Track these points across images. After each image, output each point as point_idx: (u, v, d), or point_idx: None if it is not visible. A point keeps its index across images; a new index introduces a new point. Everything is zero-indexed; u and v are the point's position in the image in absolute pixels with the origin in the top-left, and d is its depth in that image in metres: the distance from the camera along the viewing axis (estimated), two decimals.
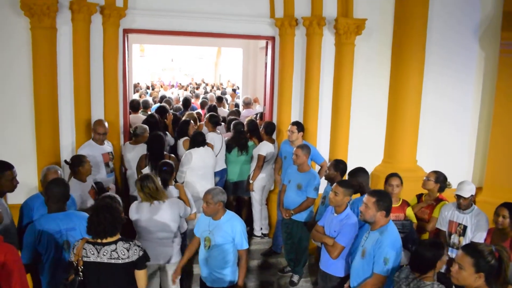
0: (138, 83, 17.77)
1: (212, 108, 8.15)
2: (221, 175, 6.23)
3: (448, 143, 6.93)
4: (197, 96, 12.77)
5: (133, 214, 4.19)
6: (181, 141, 6.32)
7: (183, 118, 7.01)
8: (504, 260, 2.61)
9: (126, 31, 5.98)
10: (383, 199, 3.54)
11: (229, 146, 6.31)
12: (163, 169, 4.67)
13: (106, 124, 5.52)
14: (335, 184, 4.17)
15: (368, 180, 4.97)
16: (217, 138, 6.27)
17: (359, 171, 4.86)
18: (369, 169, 6.62)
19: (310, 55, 6.26)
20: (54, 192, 3.60)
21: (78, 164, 4.63)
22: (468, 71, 6.87)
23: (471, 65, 6.87)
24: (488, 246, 2.67)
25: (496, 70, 6.66)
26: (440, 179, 4.97)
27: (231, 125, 6.50)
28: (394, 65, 6.47)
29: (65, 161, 4.83)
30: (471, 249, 2.63)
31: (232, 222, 3.90)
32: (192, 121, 6.63)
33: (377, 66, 6.51)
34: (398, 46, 6.38)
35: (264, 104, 7.08)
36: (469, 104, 6.98)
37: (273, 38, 6.53)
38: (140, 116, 7.42)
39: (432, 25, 6.43)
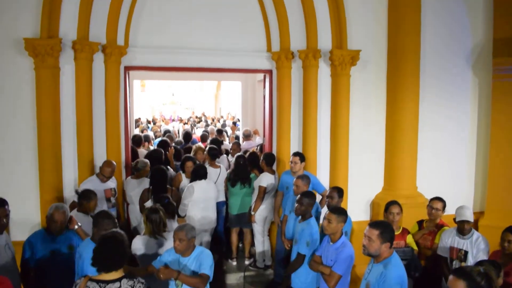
0: (139, 118, 17.98)
1: (215, 141, 8.24)
2: (219, 208, 6.26)
3: (447, 169, 6.96)
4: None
5: (138, 248, 4.19)
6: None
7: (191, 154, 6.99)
8: (493, 279, 2.63)
9: (127, 68, 6.16)
10: (387, 231, 3.39)
11: (232, 180, 6.36)
12: (165, 202, 4.71)
13: (114, 163, 5.62)
14: (327, 211, 4.18)
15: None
16: (214, 171, 6.34)
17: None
18: (370, 197, 6.74)
19: (307, 87, 6.40)
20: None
21: (86, 198, 4.73)
22: (463, 98, 6.97)
23: (465, 92, 6.98)
24: (476, 267, 2.70)
25: (490, 95, 6.78)
26: (445, 205, 5.04)
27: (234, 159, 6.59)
28: (389, 94, 6.59)
29: (76, 190, 4.92)
30: (461, 272, 2.65)
31: (199, 257, 3.78)
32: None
33: (373, 95, 6.62)
34: (393, 76, 6.51)
35: (264, 136, 7.18)
36: (466, 129, 7.05)
37: (270, 71, 6.71)
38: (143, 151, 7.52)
39: (425, 53, 6.57)
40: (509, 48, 6.48)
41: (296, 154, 5.95)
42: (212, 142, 8.13)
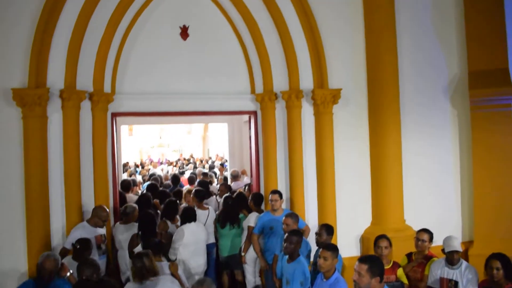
0: (127, 163, 17.95)
1: (203, 183, 8.26)
2: (209, 250, 6.22)
3: (434, 199, 7.08)
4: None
5: None
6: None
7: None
8: None
9: (114, 115, 6.26)
10: (376, 265, 3.40)
11: (221, 221, 6.35)
12: (157, 242, 4.72)
13: (107, 209, 5.64)
14: (321, 249, 4.20)
15: None
16: (202, 213, 6.35)
17: None
18: (359, 232, 6.77)
19: (291, 126, 6.55)
20: None
21: (86, 248, 4.86)
22: (443, 130, 7.20)
23: (445, 124, 7.21)
24: None
25: (470, 126, 7.00)
26: (432, 236, 5.09)
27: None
28: (372, 130, 6.77)
29: (73, 244, 4.96)
30: None
31: None
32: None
33: (356, 131, 6.79)
34: (374, 112, 6.72)
35: (251, 176, 7.25)
36: (449, 160, 7.23)
37: (255, 112, 6.87)
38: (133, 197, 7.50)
39: (404, 89, 6.82)
40: (484, 80, 6.77)
41: (274, 192, 6.00)
42: (199, 184, 8.15)
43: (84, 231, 5.32)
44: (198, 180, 9.19)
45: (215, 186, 9.62)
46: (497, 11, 6.71)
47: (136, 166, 18.68)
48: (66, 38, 5.63)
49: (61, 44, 5.59)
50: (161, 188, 8.31)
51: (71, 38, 5.66)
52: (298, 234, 4.75)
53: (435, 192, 7.11)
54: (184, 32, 6.58)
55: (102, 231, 5.63)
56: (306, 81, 6.55)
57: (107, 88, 6.09)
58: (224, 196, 6.67)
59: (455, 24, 7.27)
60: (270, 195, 5.96)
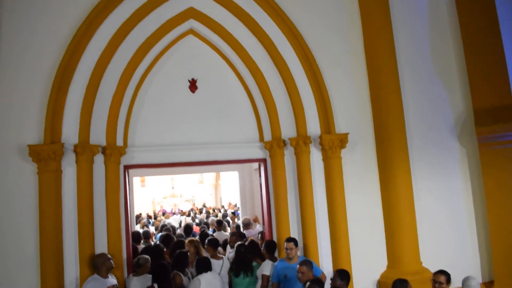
0: (140, 214, 17.98)
1: (204, 234, 8.23)
2: None
3: (449, 239, 7.00)
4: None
5: None
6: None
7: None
8: None
9: (127, 167, 6.39)
10: None
11: (234, 270, 6.30)
12: None
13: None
14: None
15: None
16: (217, 263, 6.31)
17: None
18: (376, 276, 6.65)
19: (301, 172, 6.60)
20: None
21: None
22: (453, 168, 7.20)
23: (455, 162, 7.23)
24: None
25: (479, 163, 7.00)
26: (449, 278, 4.99)
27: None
28: (381, 171, 6.80)
29: None
30: None
31: None
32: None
33: (366, 174, 6.83)
34: (382, 154, 6.77)
35: (263, 223, 7.24)
36: (461, 198, 7.19)
37: (264, 160, 6.96)
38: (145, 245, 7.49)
39: (410, 129, 6.91)
40: (490, 117, 6.82)
41: (289, 239, 5.96)
42: (201, 235, 8.11)
43: (96, 283, 5.33)
44: (211, 229, 9.16)
45: (227, 234, 9.59)
46: (496, 48, 6.79)
47: (149, 217, 18.69)
48: (80, 96, 5.86)
49: (75, 101, 5.81)
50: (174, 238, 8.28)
51: (85, 95, 5.89)
52: (320, 283, 4.67)
53: (451, 232, 7.04)
54: (193, 85, 6.82)
55: (114, 281, 5.62)
56: (313, 127, 6.68)
57: (119, 141, 6.27)
58: (236, 244, 6.64)
59: (456, 62, 7.47)
60: (285, 243, 5.93)
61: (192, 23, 6.80)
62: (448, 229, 7.03)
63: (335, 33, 6.98)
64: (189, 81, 6.82)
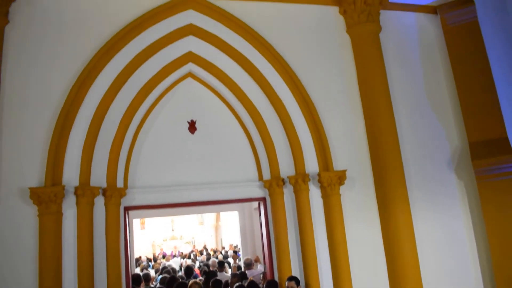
0: (140, 257, 17.76)
1: (209, 273, 8.15)
2: None
3: (452, 269, 6.95)
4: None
5: None
6: None
7: None
8: None
9: (127, 208, 6.43)
10: None
11: None
12: None
13: None
14: None
15: None
16: None
17: None
18: None
19: (300, 210, 6.62)
20: None
21: None
22: (452, 200, 7.25)
23: (453, 195, 7.28)
24: None
25: (478, 195, 7.07)
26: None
27: None
28: (381, 206, 6.80)
29: None
30: None
31: None
32: None
33: (365, 209, 6.82)
34: (381, 189, 6.79)
35: (264, 263, 7.19)
36: (462, 228, 7.20)
37: (264, 199, 7.00)
38: None
39: (408, 164, 7.00)
40: (485, 150, 6.98)
41: (291, 278, 5.95)
42: (206, 275, 8.05)
43: None
44: (204, 271, 9.07)
45: (228, 275, 9.48)
46: (487, 82, 6.99)
47: (149, 260, 18.44)
48: (81, 139, 5.96)
49: (76, 144, 5.91)
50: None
51: (86, 138, 5.99)
52: None
53: (452, 261, 7.00)
54: (192, 126, 6.96)
55: None
56: (312, 164, 6.75)
57: (119, 183, 6.33)
58: (235, 285, 6.58)
59: (449, 98, 7.68)
60: (287, 282, 5.91)
61: (191, 67, 7.01)
62: (450, 259, 7.00)
63: (330, 73, 7.17)
64: (188, 122, 6.96)
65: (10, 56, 5.91)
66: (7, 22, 5.96)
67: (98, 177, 6.10)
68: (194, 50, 6.88)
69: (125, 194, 6.35)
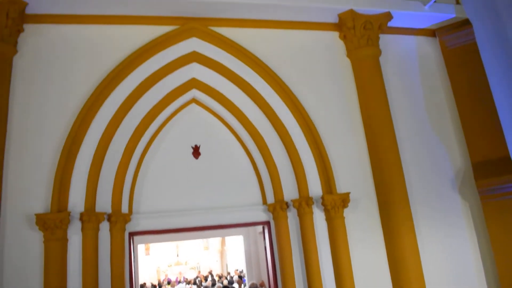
0: (145, 283, 17.62)
1: None
2: None
3: None
4: None
5: None
6: None
7: None
8: None
9: (132, 234, 6.46)
10: None
11: None
12: None
13: None
14: None
15: None
16: None
17: None
18: None
19: (305, 233, 6.62)
20: None
21: None
22: (457, 221, 7.21)
23: (458, 216, 7.25)
24: None
25: (482, 215, 7.07)
26: None
27: None
28: (385, 228, 6.77)
29: None
30: None
31: None
32: None
33: (370, 232, 6.79)
34: (385, 211, 6.78)
35: (269, 287, 7.15)
36: (468, 249, 7.14)
37: (268, 223, 7.01)
38: None
39: (411, 184, 7.02)
40: (488, 169, 7.01)
41: None
42: None
43: None
44: None
45: None
46: (488, 103, 7.08)
47: (154, 286, 18.28)
48: (87, 165, 6.05)
49: (82, 170, 5.99)
50: None
51: (91, 164, 6.07)
52: None
53: (459, 282, 6.93)
54: (196, 151, 7.03)
55: None
56: (315, 188, 6.78)
57: (124, 208, 6.38)
58: None
59: (451, 119, 7.75)
60: None
61: (195, 93, 7.14)
62: (456, 281, 6.92)
63: (332, 97, 7.26)
64: (192, 147, 7.04)
65: (18, 84, 6.08)
66: (16, 52, 6.14)
67: (103, 203, 6.15)
68: (198, 77, 7.02)
69: (130, 220, 6.39)
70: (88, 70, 6.36)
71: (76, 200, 5.90)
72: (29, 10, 6.24)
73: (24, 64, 6.18)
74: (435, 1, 7.58)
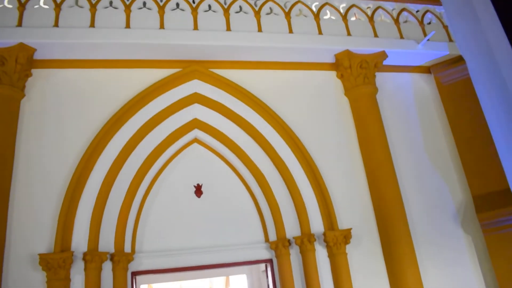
0: None
1: None
2: None
3: None
4: None
5: None
6: None
7: None
8: None
9: (134, 273, 6.45)
10: None
11: None
12: None
13: None
14: None
15: None
16: None
17: None
18: None
19: (307, 270, 6.57)
20: None
21: None
22: (460, 255, 7.15)
23: (461, 250, 7.20)
24: None
25: (486, 249, 7.03)
26: None
27: None
28: (388, 264, 6.73)
29: None
30: None
31: None
32: None
33: (373, 268, 6.74)
34: (388, 247, 6.75)
35: None
36: (473, 284, 7.04)
37: (270, 260, 6.98)
38: None
39: (412, 219, 7.05)
40: (489, 203, 7.04)
41: None
42: None
43: None
44: None
45: None
46: (485, 135, 7.14)
47: None
48: (91, 206, 6.15)
49: (85, 211, 6.08)
50: None
51: (95, 205, 6.17)
52: None
53: None
54: (198, 190, 7.11)
55: None
56: (317, 224, 6.79)
57: (127, 248, 6.40)
58: None
59: (449, 152, 7.86)
60: None
61: (197, 133, 7.30)
62: None
63: (331, 134, 7.41)
64: (194, 186, 7.13)
65: (24, 127, 6.30)
66: (24, 95, 6.39)
67: (106, 242, 6.20)
68: (199, 117, 7.21)
69: (132, 259, 6.40)
70: (93, 112, 6.59)
71: (79, 240, 5.95)
72: (37, 56, 6.54)
73: (31, 108, 6.42)
74: (428, 40, 7.84)
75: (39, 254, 5.63)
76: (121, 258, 6.20)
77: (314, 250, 6.69)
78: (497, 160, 6.95)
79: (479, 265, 7.15)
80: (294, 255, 6.83)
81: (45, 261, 5.60)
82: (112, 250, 6.23)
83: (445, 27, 8.26)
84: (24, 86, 6.43)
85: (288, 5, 7.66)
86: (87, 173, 6.24)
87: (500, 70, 7.42)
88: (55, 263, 5.60)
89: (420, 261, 6.72)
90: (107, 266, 6.11)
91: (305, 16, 7.67)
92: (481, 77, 7.54)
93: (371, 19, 7.95)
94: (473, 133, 7.49)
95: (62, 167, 6.21)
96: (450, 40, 8.09)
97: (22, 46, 6.27)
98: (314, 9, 7.80)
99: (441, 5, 8.37)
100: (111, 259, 6.17)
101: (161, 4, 7.03)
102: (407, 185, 7.32)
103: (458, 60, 7.92)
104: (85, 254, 5.88)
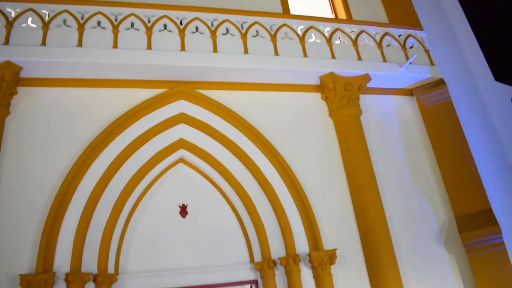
0: None
1: None
2: None
3: None
4: None
5: None
6: None
7: None
8: None
9: None
10: None
11: None
12: None
13: None
14: None
15: None
16: None
17: None
18: None
19: None
20: None
21: None
22: (444, 276, 7.22)
23: (444, 270, 7.27)
24: None
25: (469, 268, 7.11)
26: None
27: None
28: (373, 285, 6.72)
29: None
30: None
31: None
32: None
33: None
34: (372, 267, 6.80)
35: None
36: None
37: (255, 282, 6.93)
38: None
39: (397, 242, 7.11)
40: (471, 222, 7.17)
41: None
42: None
43: None
44: None
45: None
46: (466, 156, 7.44)
47: None
48: (74, 225, 6.07)
49: (69, 230, 6.00)
50: None
51: (78, 224, 6.09)
52: None
53: None
54: (183, 210, 7.07)
55: None
56: (302, 245, 6.79)
57: (110, 268, 6.30)
58: None
59: (431, 173, 8.03)
60: None
61: (183, 153, 7.31)
62: None
63: (316, 155, 7.51)
64: (179, 206, 7.09)
65: (9, 145, 6.24)
66: (9, 113, 6.35)
67: (89, 263, 6.09)
68: (185, 137, 7.23)
69: (116, 280, 6.29)
70: (78, 131, 6.57)
71: (62, 260, 5.85)
72: (23, 74, 6.53)
73: (16, 126, 6.38)
74: (410, 63, 8.05)
75: (20, 275, 5.51)
76: (104, 279, 6.09)
77: (299, 270, 6.67)
78: (479, 181, 7.13)
79: (463, 284, 7.22)
80: (279, 275, 6.80)
81: (26, 282, 5.49)
82: (95, 271, 6.13)
83: (427, 51, 8.51)
84: (9, 104, 6.40)
85: (274, 28, 7.82)
86: (71, 192, 6.18)
87: (480, 92, 7.67)
88: (36, 284, 5.48)
89: (404, 282, 6.76)
90: (90, 287, 6.01)
91: (291, 39, 7.83)
92: (461, 99, 7.78)
93: (355, 42, 8.15)
94: (455, 154, 7.67)
95: (45, 185, 6.14)
96: (432, 63, 8.33)
97: (8, 64, 6.27)
98: (299, 32, 7.97)
99: (422, 29, 8.65)
100: (94, 280, 6.06)
101: (149, 25, 7.12)
102: (391, 205, 7.41)
103: (440, 83, 8.14)
104: (67, 275, 5.77)
